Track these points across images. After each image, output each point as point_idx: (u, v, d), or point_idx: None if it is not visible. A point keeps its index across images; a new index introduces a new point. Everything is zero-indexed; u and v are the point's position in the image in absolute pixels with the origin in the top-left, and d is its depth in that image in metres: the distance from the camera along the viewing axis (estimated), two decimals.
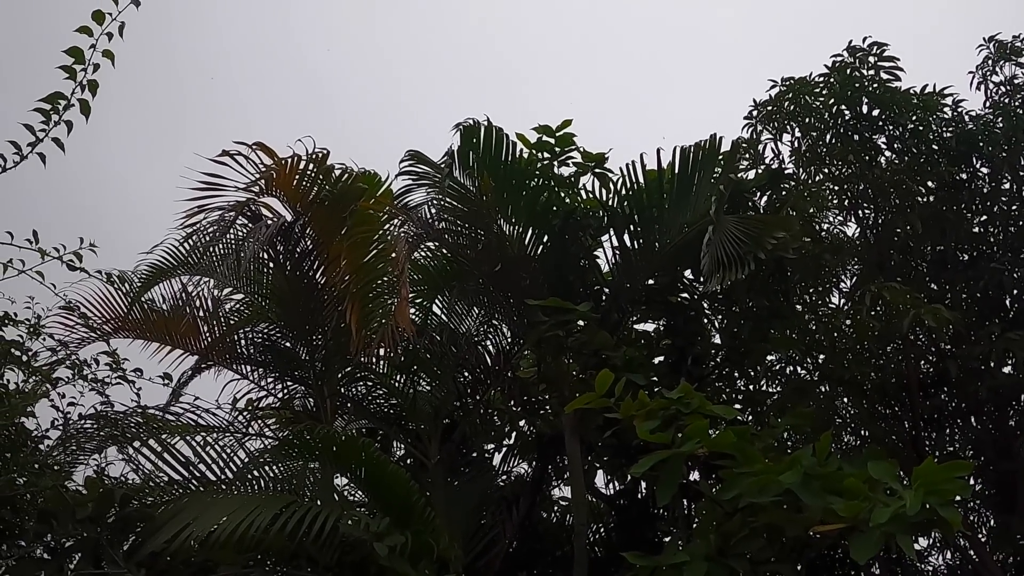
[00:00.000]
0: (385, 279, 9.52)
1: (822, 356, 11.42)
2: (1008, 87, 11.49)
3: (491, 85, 26.59)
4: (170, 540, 7.48)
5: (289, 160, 9.23)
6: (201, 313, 10.32)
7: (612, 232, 10.14)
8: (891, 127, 11.20)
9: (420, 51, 29.08)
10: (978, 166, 11.35)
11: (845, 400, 11.86)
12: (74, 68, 6.49)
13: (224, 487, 8.58)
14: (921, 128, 11.05)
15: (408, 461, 10.50)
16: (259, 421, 10.48)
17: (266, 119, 22.71)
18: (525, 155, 9.98)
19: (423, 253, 10.36)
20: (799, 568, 10.09)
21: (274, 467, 8.99)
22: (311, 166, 9.33)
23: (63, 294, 8.92)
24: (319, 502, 8.40)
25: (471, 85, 26.79)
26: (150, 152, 24.15)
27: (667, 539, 10.46)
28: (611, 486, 11.31)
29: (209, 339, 10.38)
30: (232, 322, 10.51)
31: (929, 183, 11.33)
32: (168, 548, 7.55)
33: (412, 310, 10.06)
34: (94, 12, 6.16)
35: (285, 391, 10.72)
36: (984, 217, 11.52)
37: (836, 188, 11.59)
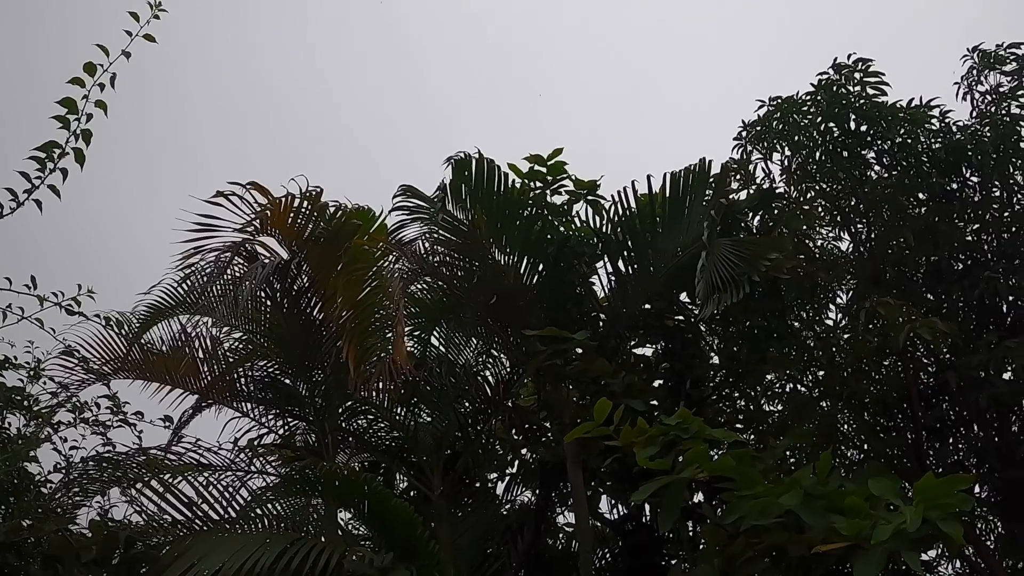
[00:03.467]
0: (382, 313, 9.58)
1: (821, 373, 11.42)
2: (994, 96, 11.54)
3: (485, 108, 26.69)
4: None
5: (284, 199, 9.31)
6: (200, 352, 10.33)
7: (607, 258, 10.20)
8: (880, 141, 11.23)
9: (417, 78, 29.18)
10: (968, 176, 11.37)
11: (846, 415, 11.84)
12: (67, 118, 6.57)
13: (228, 526, 8.59)
14: (909, 141, 11.08)
15: (411, 493, 10.52)
16: (261, 459, 10.50)
17: (261, 154, 22.80)
18: (517, 185, 10.04)
19: (419, 286, 10.39)
20: None
21: (277, 504, 9.02)
22: (305, 204, 9.42)
23: (62, 337, 8.96)
24: (323, 539, 8.41)
25: (466, 109, 26.92)
26: (147, 193, 24.23)
27: (673, 562, 10.49)
28: (615, 511, 11.31)
29: (209, 378, 10.40)
30: (231, 360, 10.53)
31: (920, 195, 11.37)
32: None
33: (410, 343, 10.11)
34: (85, 64, 6.23)
35: (286, 428, 10.75)
36: (976, 226, 11.53)
37: (827, 205, 11.63)
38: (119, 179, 20.41)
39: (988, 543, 11.62)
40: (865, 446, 11.67)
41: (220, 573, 7.76)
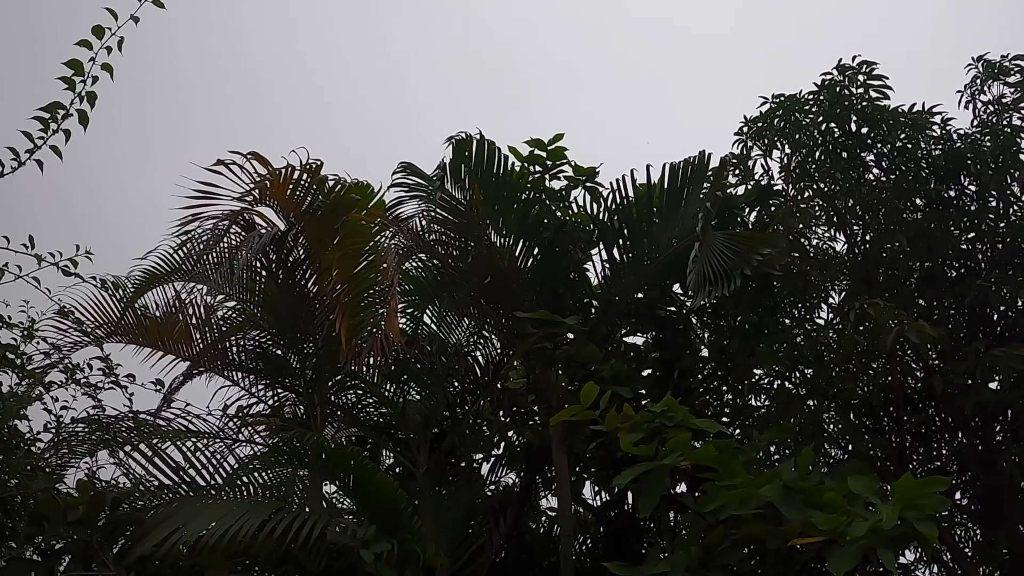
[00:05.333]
0: (376, 289, 9.62)
1: (809, 371, 11.48)
2: (996, 106, 11.56)
3: (488, 93, 26.69)
4: (159, 544, 7.57)
5: (283, 170, 9.33)
6: (193, 320, 10.35)
7: (602, 245, 10.27)
8: (880, 145, 11.27)
9: (421, 58, 29.21)
10: (966, 184, 11.40)
11: (832, 414, 11.92)
12: (73, 80, 6.62)
13: (214, 492, 8.67)
14: (910, 146, 11.12)
15: (397, 470, 10.58)
16: (249, 427, 10.55)
17: (263, 127, 22.79)
18: (517, 168, 10.08)
19: (414, 264, 10.43)
20: None
21: (263, 473, 9.08)
22: (305, 176, 9.44)
23: (58, 299, 9.01)
24: (307, 509, 8.49)
25: (469, 91, 26.93)
26: (146, 159, 24.24)
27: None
28: (599, 498, 11.38)
29: (201, 345, 10.42)
30: (224, 329, 10.56)
31: (917, 200, 11.42)
32: (157, 552, 7.63)
33: (403, 320, 10.16)
34: (93, 27, 6.28)
35: (275, 398, 10.79)
36: (971, 234, 11.57)
37: (824, 205, 11.69)
38: (118, 144, 20.41)
39: (966, 550, 11.71)
40: (849, 446, 11.75)
41: (204, 538, 7.86)
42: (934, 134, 11.25)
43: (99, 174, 22.28)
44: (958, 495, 11.45)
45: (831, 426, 11.87)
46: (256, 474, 9.04)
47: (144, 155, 24.53)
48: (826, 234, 11.93)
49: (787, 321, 11.25)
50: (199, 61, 27.42)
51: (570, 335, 9.38)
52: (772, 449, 11.10)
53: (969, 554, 11.64)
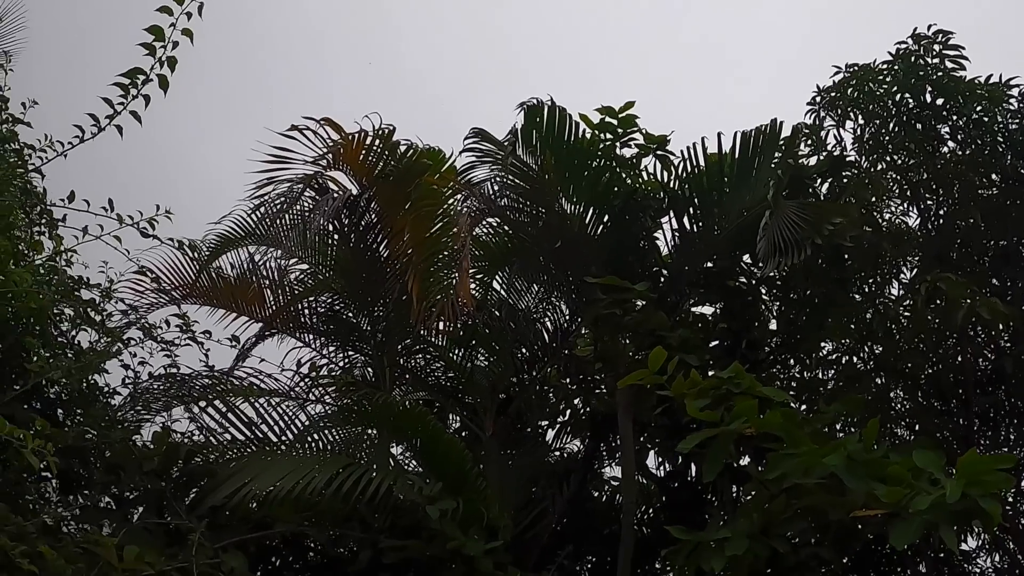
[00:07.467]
0: (446, 253, 9.73)
1: (878, 347, 11.37)
2: None
3: (556, 66, 26.57)
4: (231, 495, 7.79)
5: (356, 135, 9.46)
6: (267, 282, 10.54)
7: (672, 214, 10.23)
8: (955, 117, 11.07)
9: (488, 32, 29.15)
10: None
11: (899, 393, 11.80)
12: (154, 45, 6.81)
13: (284, 448, 8.87)
14: (986, 119, 10.90)
15: (463, 434, 10.67)
16: (320, 388, 10.71)
17: (336, 95, 22.94)
18: (588, 135, 10.06)
19: (484, 230, 10.45)
20: (845, 562, 10.21)
21: (333, 432, 9.28)
22: (377, 142, 9.56)
23: (136, 259, 9.24)
24: (375, 467, 8.64)
25: (537, 64, 26.85)
26: (224, 124, 24.58)
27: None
28: (662, 468, 11.40)
29: (273, 307, 10.60)
30: (296, 291, 10.73)
31: (993, 175, 11.23)
32: (228, 503, 7.85)
33: (473, 286, 10.21)
34: None
35: (346, 360, 10.95)
36: None
37: (898, 177, 11.52)
38: (197, 109, 20.70)
39: None
40: (916, 426, 11.61)
41: (273, 492, 8.07)
42: (1011, 107, 11.02)
43: (178, 139, 22.63)
44: None
45: (898, 405, 11.75)
46: (326, 432, 9.23)
47: (222, 120, 24.86)
48: (899, 208, 11.76)
49: (857, 297, 11.15)
50: (279, 25, 27.61)
51: (639, 302, 9.38)
52: (838, 427, 11.00)
53: None
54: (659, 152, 10.31)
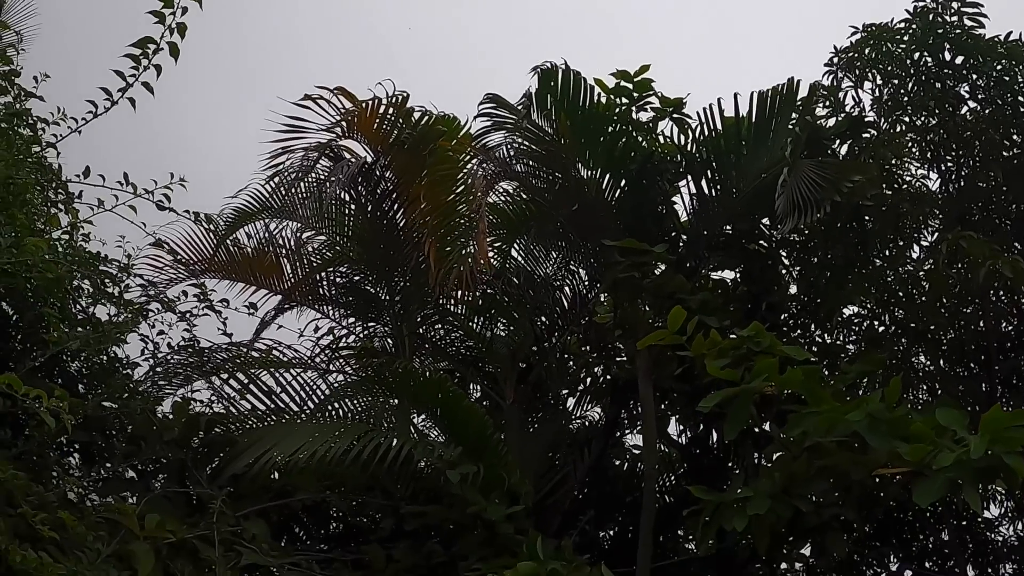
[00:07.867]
0: (463, 220, 9.70)
1: (900, 311, 11.28)
2: None
3: (569, 30, 26.40)
4: (251, 464, 7.82)
5: (369, 103, 9.44)
6: (284, 252, 10.56)
7: (689, 178, 10.15)
8: (974, 76, 10.91)
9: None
10: None
11: (922, 357, 11.70)
12: (163, 12, 6.77)
13: (304, 417, 8.88)
14: (1007, 78, 10.75)
15: (484, 403, 10.68)
16: (340, 359, 10.73)
17: (354, 61, 22.86)
18: (603, 99, 9.99)
19: (501, 196, 10.42)
20: (867, 529, 10.15)
21: (353, 401, 9.28)
22: (391, 109, 9.55)
23: (153, 232, 9.23)
24: (396, 434, 8.65)
25: (550, 29, 26.68)
26: (234, 97, 24.55)
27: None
28: (684, 435, 11.37)
29: (292, 279, 10.64)
30: (314, 263, 10.75)
31: (1014, 135, 11.08)
32: (249, 472, 7.88)
33: (491, 253, 10.20)
34: None
35: (365, 330, 10.96)
36: None
37: (917, 138, 11.38)
38: (209, 81, 20.66)
39: None
40: (938, 389, 11.52)
41: (294, 460, 8.09)
42: None
43: (190, 112, 22.59)
44: None
45: (920, 370, 11.65)
46: (346, 401, 9.24)
47: (233, 92, 24.81)
48: (919, 170, 11.64)
49: (877, 261, 11.05)
50: None
51: (658, 266, 9.33)
52: (858, 384, 10.92)
53: None
54: (675, 115, 10.23)
